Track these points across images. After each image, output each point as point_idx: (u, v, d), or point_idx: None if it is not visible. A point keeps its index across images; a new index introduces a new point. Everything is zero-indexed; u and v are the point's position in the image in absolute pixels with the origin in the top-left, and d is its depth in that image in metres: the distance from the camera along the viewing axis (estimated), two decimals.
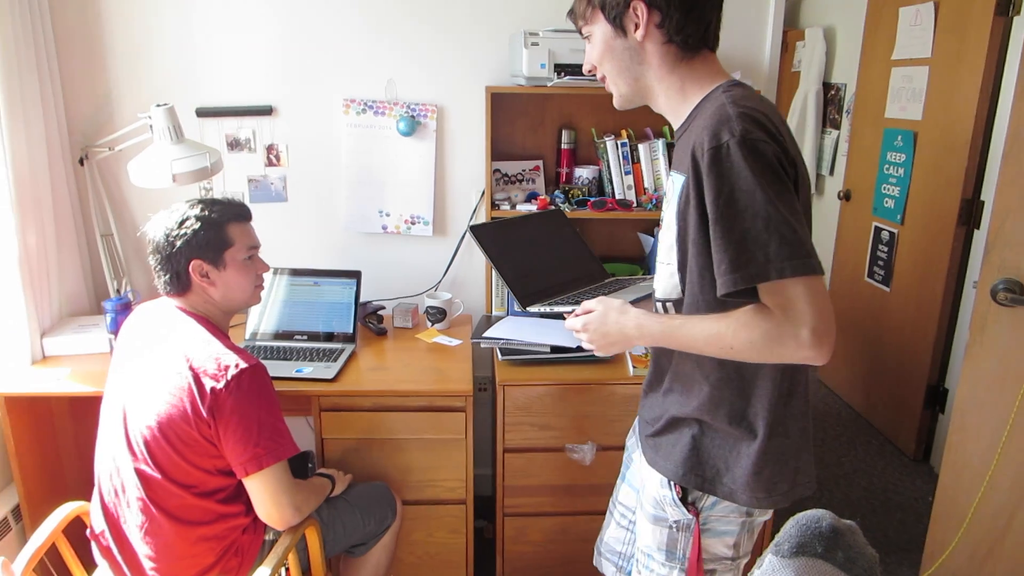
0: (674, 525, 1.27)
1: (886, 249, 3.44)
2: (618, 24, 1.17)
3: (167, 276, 1.65)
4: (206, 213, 1.64)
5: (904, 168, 3.27)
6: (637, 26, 1.16)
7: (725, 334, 1.08)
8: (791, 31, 4.44)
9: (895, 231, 3.37)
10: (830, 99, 4.21)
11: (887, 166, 3.41)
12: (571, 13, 1.26)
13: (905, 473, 3.19)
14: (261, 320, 2.31)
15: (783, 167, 1.05)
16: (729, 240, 1.03)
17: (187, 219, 1.63)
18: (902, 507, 2.93)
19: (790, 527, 0.97)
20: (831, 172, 4.21)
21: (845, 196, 3.80)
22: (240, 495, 1.62)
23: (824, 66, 4.19)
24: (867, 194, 3.58)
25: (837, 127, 4.15)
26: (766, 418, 1.18)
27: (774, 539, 0.98)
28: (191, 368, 1.52)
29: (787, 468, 1.21)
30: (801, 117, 4.32)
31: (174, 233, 1.61)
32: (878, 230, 3.50)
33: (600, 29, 1.20)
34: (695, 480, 1.23)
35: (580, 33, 1.25)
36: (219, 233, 1.64)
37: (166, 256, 1.62)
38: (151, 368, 1.58)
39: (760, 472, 1.18)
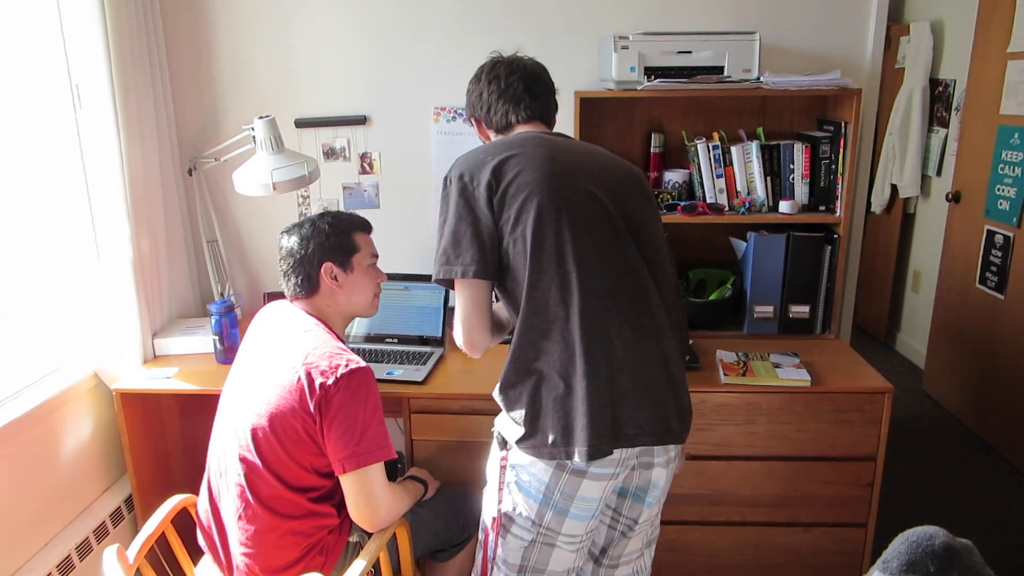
0: (496, 458, 1.55)
1: (1000, 254, 3.22)
2: (475, 126, 1.75)
3: (298, 278, 1.75)
4: (336, 221, 1.79)
5: (1022, 168, 3.06)
6: (479, 128, 1.74)
7: None
8: (895, 26, 4.23)
9: (1011, 234, 3.15)
10: (937, 96, 3.99)
11: (1002, 166, 3.20)
12: None
13: (1022, 493, 2.97)
14: (354, 323, 2.38)
15: (473, 195, 1.46)
16: (436, 247, 1.51)
17: (320, 226, 1.77)
18: (1020, 528, 2.73)
19: (899, 544, 0.91)
20: (938, 173, 3.99)
21: (954, 198, 3.58)
22: (332, 497, 1.67)
23: (931, 62, 3.98)
24: (979, 196, 3.37)
25: (945, 125, 3.92)
26: (527, 389, 1.46)
27: (882, 556, 0.92)
28: (304, 364, 1.59)
29: (543, 429, 1.45)
30: (905, 116, 4.11)
31: (308, 237, 1.74)
32: (991, 233, 3.29)
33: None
34: (505, 428, 1.52)
35: None
36: (348, 238, 1.78)
37: (299, 259, 1.74)
38: (270, 362, 1.66)
39: (531, 435, 1.46)
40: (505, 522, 1.53)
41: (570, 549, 1.53)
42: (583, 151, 1.60)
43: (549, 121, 1.68)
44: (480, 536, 1.63)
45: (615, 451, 1.45)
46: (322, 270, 1.74)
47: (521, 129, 1.64)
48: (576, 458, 1.42)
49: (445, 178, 1.52)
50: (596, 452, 1.41)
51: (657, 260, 1.54)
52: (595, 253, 1.46)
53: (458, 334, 1.55)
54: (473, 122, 1.73)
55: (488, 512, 1.59)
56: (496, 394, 1.53)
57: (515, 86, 1.62)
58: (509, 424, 1.51)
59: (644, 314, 1.49)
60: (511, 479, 1.52)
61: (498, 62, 1.67)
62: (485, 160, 1.49)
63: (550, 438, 1.44)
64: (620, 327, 1.46)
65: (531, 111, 1.63)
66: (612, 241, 1.48)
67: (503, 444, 1.54)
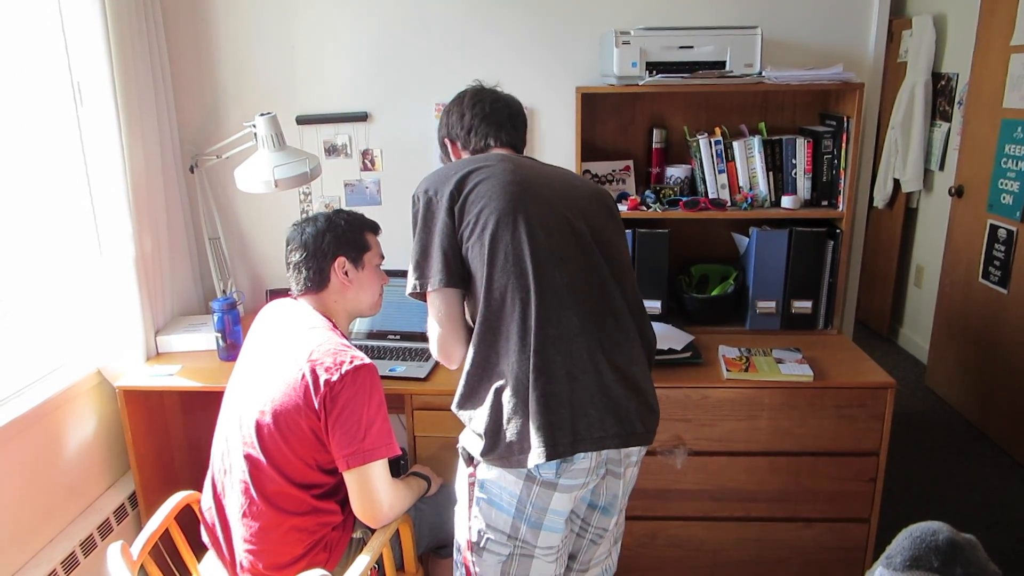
0: (464, 476, 1.54)
1: (1003, 248, 3.22)
2: (448, 148, 1.77)
3: (309, 272, 1.75)
4: (351, 218, 1.80)
5: None
6: (453, 150, 1.77)
7: None
8: (897, 20, 4.22)
9: (1014, 229, 3.14)
10: (940, 90, 3.98)
11: (1005, 160, 3.19)
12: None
13: None
14: (356, 320, 2.38)
15: (437, 207, 1.51)
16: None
17: (336, 221, 1.78)
18: (1022, 524, 2.73)
19: (903, 539, 0.91)
20: (941, 167, 3.98)
21: (957, 192, 3.58)
22: (336, 494, 1.67)
23: (933, 55, 3.96)
24: (981, 190, 3.36)
25: (948, 119, 3.91)
26: (487, 398, 1.45)
27: (885, 551, 0.92)
28: (309, 360, 1.59)
29: (504, 435, 1.43)
30: (908, 110, 4.10)
31: (324, 230, 1.75)
32: (994, 228, 3.28)
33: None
34: (468, 443, 1.50)
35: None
36: (361, 236, 1.80)
37: (312, 252, 1.74)
38: (275, 359, 1.66)
39: (493, 446, 1.44)
40: (480, 540, 1.51)
41: (548, 560, 1.51)
42: (549, 169, 1.63)
43: (520, 152, 1.74)
44: (456, 557, 1.59)
45: (583, 458, 1.43)
46: (335, 264, 1.75)
47: (494, 152, 1.68)
48: (534, 459, 1.38)
49: (413, 196, 1.56)
50: (553, 452, 1.38)
51: (620, 269, 1.54)
52: (553, 252, 1.46)
53: (433, 345, 1.57)
54: (448, 143, 1.76)
55: (461, 533, 1.56)
56: (455, 408, 1.51)
57: (500, 112, 1.69)
58: (472, 438, 1.48)
59: (608, 314, 1.48)
60: (481, 496, 1.49)
61: (482, 89, 1.74)
62: (449, 175, 1.53)
63: (511, 444, 1.41)
64: (582, 326, 1.44)
65: (509, 137, 1.70)
66: (573, 243, 1.48)
67: (469, 460, 1.51)
